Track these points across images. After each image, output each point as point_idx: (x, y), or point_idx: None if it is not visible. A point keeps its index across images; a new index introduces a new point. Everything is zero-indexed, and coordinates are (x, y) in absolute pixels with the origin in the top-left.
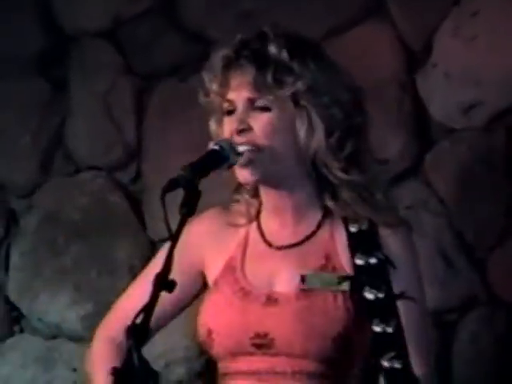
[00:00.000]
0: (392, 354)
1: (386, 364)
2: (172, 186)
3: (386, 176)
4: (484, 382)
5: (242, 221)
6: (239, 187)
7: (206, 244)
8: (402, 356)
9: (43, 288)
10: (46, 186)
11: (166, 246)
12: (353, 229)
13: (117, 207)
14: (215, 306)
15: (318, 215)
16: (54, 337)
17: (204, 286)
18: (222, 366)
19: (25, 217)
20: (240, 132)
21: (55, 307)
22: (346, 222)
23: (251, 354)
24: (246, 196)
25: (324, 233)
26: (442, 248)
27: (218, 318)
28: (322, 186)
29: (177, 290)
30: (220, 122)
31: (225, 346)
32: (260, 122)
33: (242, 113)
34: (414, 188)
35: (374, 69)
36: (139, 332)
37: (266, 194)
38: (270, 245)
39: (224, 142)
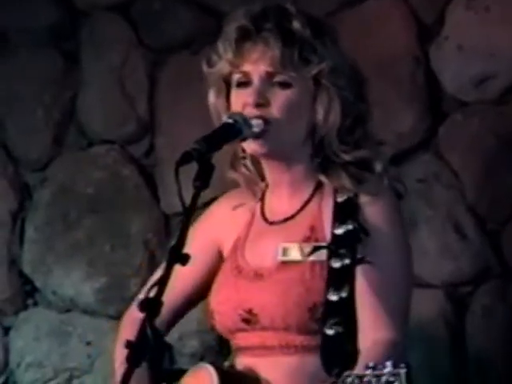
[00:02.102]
0: (335, 319)
1: (327, 331)
2: (185, 159)
3: (385, 156)
4: (497, 354)
5: (252, 201)
6: (235, 163)
7: (222, 226)
8: (341, 324)
9: (57, 262)
10: (60, 159)
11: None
12: (339, 199)
13: (130, 181)
14: (217, 286)
15: (310, 186)
16: (68, 310)
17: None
18: (231, 343)
19: (38, 191)
20: (257, 106)
21: (69, 281)
22: (335, 194)
23: (244, 330)
24: (245, 172)
25: (314, 205)
26: (455, 220)
27: (218, 298)
28: (319, 163)
29: (195, 271)
30: (220, 94)
31: (223, 324)
32: (279, 98)
33: (260, 86)
34: (427, 161)
35: (386, 42)
36: (152, 305)
37: (267, 167)
38: (266, 221)
39: (237, 116)
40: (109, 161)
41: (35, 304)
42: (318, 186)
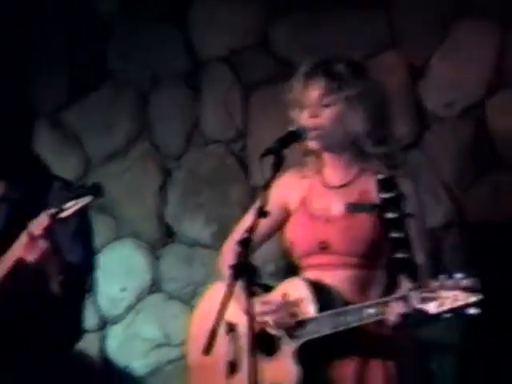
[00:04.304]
0: (402, 249)
1: (398, 256)
2: (267, 152)
3: (399, 147)
4: None
5: (310, 173)
6: (307, 152)
7: (287, 191)
8: (408, 251)
9: (187, 216)
10: (189, 152)
11: (261, 193)
12: (379, 177)
13: (232, 167)
14: (294, 226)
15: (356, 169)
16: (193, 246)
17: (287, 217)
18: (300, 262)
19: (176, 173)
20: (312, 118)
21: (194, 227)
22: (375, 174)
23: (317, 253)
24: (312, 157)
25: (361, 179)
26: (434, 191)
27: (296, 233)
28: (358, 152)
29: (270, 219)
30: (296, 111)
31: (301, 250)
32: (326, 114)
33: (314, 106)
34: (416, 154)
35: (390, 79)
36: (245, 243)
37: (326, 155)
38: (327, 186)
39: (300, 127)
40: (219, 153)
41: (173, 242)
42: (362, 169)
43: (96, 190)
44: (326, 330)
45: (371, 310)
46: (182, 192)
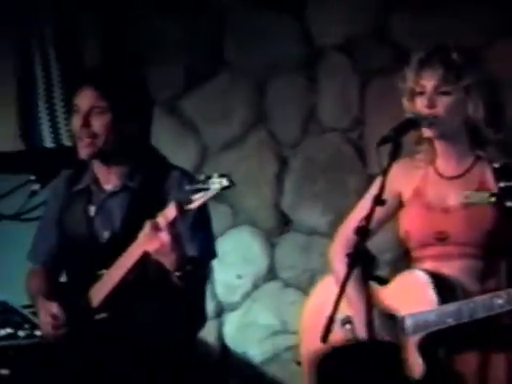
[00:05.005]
0: None
1: None
2: (383, 141)
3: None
4: None
5: (423, 164)
6: (419, 141)
7: (400, 180)
8: None
9: (304, 204)
10: (305, 141)
11: (377, 181)
12: (496, 165)
13: (348, 155)
14: (410, 216)
15: (471, 158)
16: (311, 234)
17: (400, 207)
18: (415, 253)
19: (292, 161)
20: (429, 107)
21: (311, 216)
22: (491, 162)
23: (434, 244)
24: (424, 146)
25: (477, 168)
26: None
27: (412, 223)
28: (473, 141)
29: (385, 208)
30: (410, 99)
31: (417, 240)
32: (443, 102)
33: (431, 94)
34: None
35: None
36: (363, 231)
37: (439, 144)
38: (441, 176)
39: (416, 113)
40: (335, 142)
41: (289, 230)
42: (478, 158)
43: (225, 182)
44: (450, 321)
45: (500, 301)
46: (298, 180)
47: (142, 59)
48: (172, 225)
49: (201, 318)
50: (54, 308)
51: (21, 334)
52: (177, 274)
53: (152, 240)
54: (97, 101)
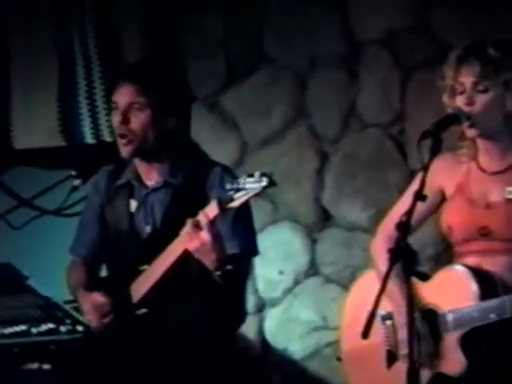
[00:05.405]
0: None
1: None
2: (424, 136)
3: None
4: None
5: (465, 159)
6: (461, 136)
7: (443, 175)
8: None
9: (345, 199)
10: (346, 137)
11: (418, 176)
12: None
13: (389, 150)
14: (452, 211)
15: None
16: (352, 229)
17: (442, 202)
18: (457, 249)
19: (332, 157)
20: (468, 104)
21: (352, 211)
22: None
23: (477, 239)
24: (467, 142)
25: None
26: None
27: (455, 218)
28: None
29: (426, 203)
30: (450, 96)
31: (460, 235)
32: (481, 100)
33: (470, 92)
34: None
35: None
36: (404, 227)
37: (481, 141)
38: (484, 172)
39: (457, 110)
40: (376, 137)
41: (330, 226)
42: None
43: (267, 181)
44: (492, 317)
45: None
46: (338, 176)
47: (183, 55)
48: (212, 223)
49: (241, 315)
50: (99, 297)
51: (62, 329)
52: (217, 273)
53: (193, 238)
54: (135, 96)
